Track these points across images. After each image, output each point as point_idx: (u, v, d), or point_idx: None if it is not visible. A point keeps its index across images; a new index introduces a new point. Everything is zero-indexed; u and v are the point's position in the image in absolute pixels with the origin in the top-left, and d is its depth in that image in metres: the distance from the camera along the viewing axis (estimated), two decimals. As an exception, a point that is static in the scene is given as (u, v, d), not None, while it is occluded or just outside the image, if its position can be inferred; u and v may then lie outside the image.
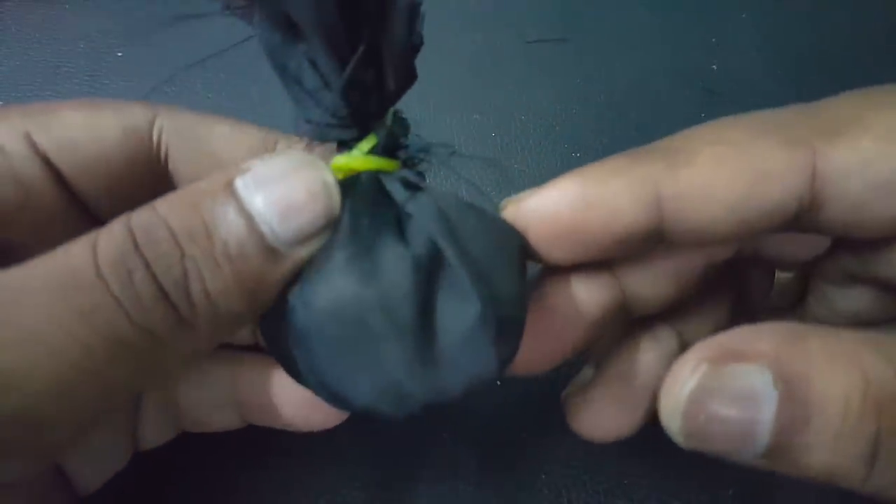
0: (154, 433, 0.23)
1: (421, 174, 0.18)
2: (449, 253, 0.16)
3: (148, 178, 0.20)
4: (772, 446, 0.14)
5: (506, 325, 0.16)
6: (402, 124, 0.18)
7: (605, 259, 0.18)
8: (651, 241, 0.17)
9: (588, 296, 0.19)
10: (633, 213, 0.16)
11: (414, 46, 0.16)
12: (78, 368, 0.14)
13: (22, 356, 0.13)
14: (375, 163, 0.17)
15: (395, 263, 0.16)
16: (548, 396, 0.28)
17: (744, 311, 0.23)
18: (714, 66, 0.37)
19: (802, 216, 0.17)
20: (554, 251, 0.18)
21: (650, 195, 0.16)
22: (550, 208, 0.17)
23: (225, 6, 0.16)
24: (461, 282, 0.16)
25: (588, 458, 0.27)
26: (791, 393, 0.13)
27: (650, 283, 0.20)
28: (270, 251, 0.15)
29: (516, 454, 0.27)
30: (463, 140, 0.35)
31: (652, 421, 0.22)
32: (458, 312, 0.16)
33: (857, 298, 0.20)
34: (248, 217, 0.15)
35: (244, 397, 0.23)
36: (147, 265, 0.14)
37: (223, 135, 0.20)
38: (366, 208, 0.17)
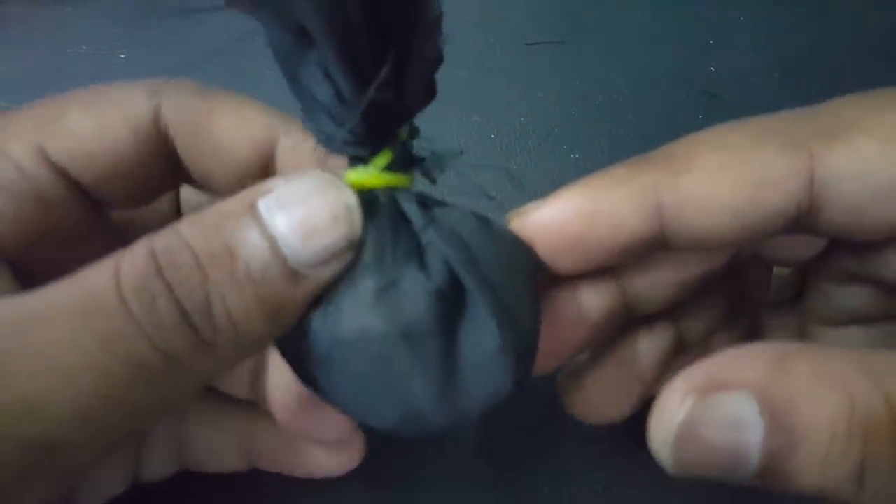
0: (157, 466, 0.23)
1: (433, 178, 0.18)
2: (469, 282, 0.16)
3: (161, 168, 0.20)
4: (761, 471, 0.14)
5: (522, 351, 0.17)
6: (413, 134, 0.17)
7: (611, 265, 0.19)
8: (654, 248, 0.18)
9: (592, 300, 0.20)
10: (636, 222, 0.17)
11: (436, 61, 0.16)
12: (99, 395, 0.14)
13: (43, 383, 0.14)
14: (391, 179, 0.17)
15: (419, 297, 0.16)
16: (547, 396, 0.28)
17: (742, 306, 0.23)
18: (712, 68, 0.37)
19: (802, 219, 0.17)
20: (560, 262, 0.18)
21: (652, 203, 0.17)
22: (555, 220, 0.17)
23: (229, 3, 0.15)
24: (481, 312, 0.16)
25: (588, 458, 0.27)
26: (777, 421, 0.13)
27: (651, 286, 0.20)
28: (292, 273, 0.15)
29: (516, 454, 0.27)
30: (463, 141, 0.35)
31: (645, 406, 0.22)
32: (479, 342, 0.16)
33: (854, 296, 0.20)
34: (270, 239, 0.15)
35: (257, 445, 0.24)
36: (170, 289, 0.14)
37: (228, 126, 0.20)
38: (388, 233, 0.17)
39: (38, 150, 0.18)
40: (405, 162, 0.17)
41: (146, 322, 0.14)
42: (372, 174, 0.17)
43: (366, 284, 0.16)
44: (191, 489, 0.24)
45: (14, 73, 0.36)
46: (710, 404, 0.14)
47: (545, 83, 0.37)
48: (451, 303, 0.16)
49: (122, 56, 0.37)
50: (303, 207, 0.15)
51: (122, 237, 0.22)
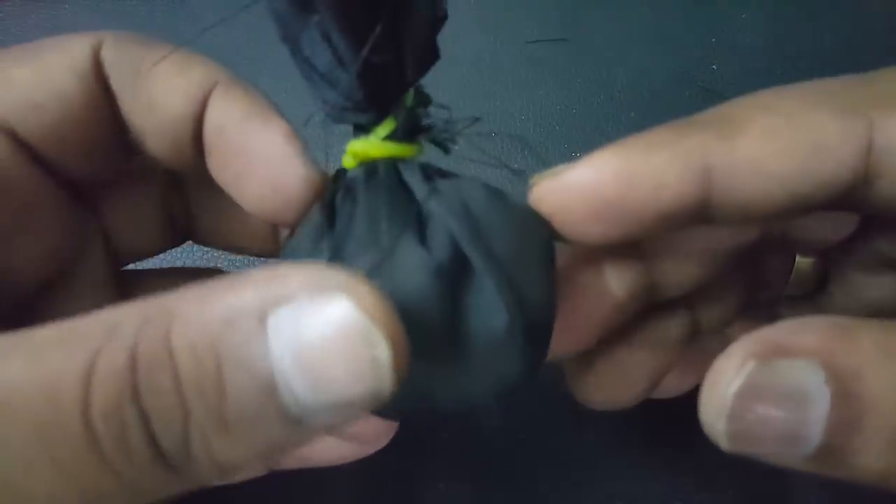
0: None
1: (446, 148, 0.17)
2: (474, 257, 0.15)
3: (108, 123, 0.19)
4: (822, 447, 0.13)
5: (534, 332, 0.16)
6: (423, 101, 0.16)
7: (644, 237, 0.17)
8: (693, 217, 0.16)
9: (617, 280, 0.19)
10: (681, 186, 0.15)
11: (438, 20, 0.15)
12: None
13: None
14: (393, 149, 0.16)
15: (417, 272, 0.14)
16: (548, 397, 0.28)
17: (759, 297, 0.23)
18: (714, 67, 0.37)
19: (854, 192, 0.16)
20: (592, 229, 0.16)
21: (699, 167, 0.15)
22: (591, 183, 0.16)
23: None
24: (487, 289, 0.15)
25: (588, 458, 0.27)
26: (843, 390, 0.12)
27: (679, 266, 0.19)
28: (290, 419, 0.12)
29: (516, 454, 0.27)
30: (463, 140, 0.35)
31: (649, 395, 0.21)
32: (485, 320, 0.15)
33: (882, 286, 0.19)
34: (270, 377, 0.12)
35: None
36: (146, 421, 0.12)
37: (163, 75, 0.18)
38: (384, 207, 0.15)
39: None
40: (410, 131, 0.16)
41: (113, 456, 0.12)
42: (373, 143, 0.16)
43: (357, 261, 0.15)
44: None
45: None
46: (772, 370, 0.13)
47: (546, 82, 0.37)
48: (454, 279, 0.15)
49: (121, 54, 0.37)
50: (318, 352, 0.12)
51: (89, 220, 0.21)
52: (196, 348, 0.12)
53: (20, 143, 0.17)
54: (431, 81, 0.20)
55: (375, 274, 0.14)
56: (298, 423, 0.12)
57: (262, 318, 0.12)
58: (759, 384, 0.13)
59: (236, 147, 0.18)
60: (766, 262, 0.22)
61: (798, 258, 0.22)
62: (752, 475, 0.27)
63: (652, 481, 0.26)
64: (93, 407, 0.11)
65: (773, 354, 0.13)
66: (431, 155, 0.17)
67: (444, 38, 0.19)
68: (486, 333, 0.15)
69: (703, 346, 0.22)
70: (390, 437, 0.22)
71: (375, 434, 0.22)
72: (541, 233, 0.17)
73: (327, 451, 0.22)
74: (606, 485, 0.27)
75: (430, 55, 0.15)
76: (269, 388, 0.12)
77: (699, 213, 0.16)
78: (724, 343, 0.15)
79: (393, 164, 0.16)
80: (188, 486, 0.13)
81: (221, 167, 0.19)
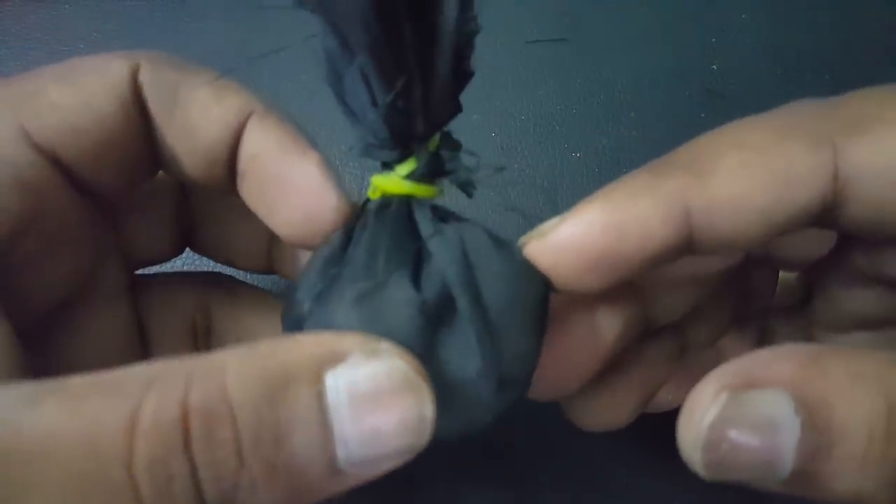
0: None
1: (469, 192, 0.18)
2: (461, 303, 0.16)
3: (144, 145, 0.19)
4: (795, 473, 0.13)
5: (509, 381, 0.16)
6: (449, 146, 0.17)
7: (634, 279, 0.18)
8: (681, 254, 0.17)
9: (610, 319, 0.19)
10: (666, 231, 0.16)
11: (463, 76, 0.16)
12: None
13: None
14: (408, 187, 0.17)
15: (402, 308, 0.15)
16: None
17: (747, 312, 0.23)
18: (714, 67, 0.37)
19: (826, 215, 0.16)
20: (585, 281, 0.17)
21: (680, 210, 0.16)
22: (579, 239, 0.16)
23: (296, 1, 0.15)
24: (468, 333, 0.16)
25: (588, 459, 0.27)
26: (813, 419, 0.13)
27: (669, 296, 0.20)
28: (336, 471, 0.13)
29: (516, 454, 0.27)
30: (463, 140, 0.35)
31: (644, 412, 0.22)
32: (462, 362, 0.16)
33: (864, 300, 0.20)
34: (328, 431, 0.13)
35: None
36: (194, 473, 0.12)
37: (200, 101, 0.19)
38: (386, 240, 0.16)
39: (20, 132, 0.17)
40: (432, 172, 0.17)
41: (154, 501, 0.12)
42: (391, 180, 0.17)
43: (351, 286, 0.16)
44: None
45: (11, 71, 0.36)
46: (744, 401, 0.14)
47: (546, 81, 0.37)
48: (439, 319, 0.16)
49: (121, 54, 0.37)
50: (373, 406, 0.13)
51: (109, 232, 0.21)
52: (256, 402, 0.12)
53: (59, 167, 0.18)
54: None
55: (363, 302, 0.15)
56: (339, 474, 0.13)
57: (319, 376, 0.13)
58: (731, 415, 0.14)
59: (271, 175, 0.19)
60: (751, 278, 0.23)
61: (781, 275, 0.23)
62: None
63: (652, 481, 0.26)
64: (136, 457, 0.11)
65: (745, 386, 0.14)
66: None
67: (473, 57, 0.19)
68: (460, 375, 0.16)
69: (696, 360, 0.23)
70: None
71: None
72: (536, 285, 0.17)
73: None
74: (606, 485, 0.27)
75: (453, 107, 0.17)
76: (326, 440, 0.13)
77: (685, 251, 0.17)
78: (716, 355, 0.15)
79: (406, 201, 0.17)
80: None
81: (255, 192, 0.19)
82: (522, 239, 0.17)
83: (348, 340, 0.14)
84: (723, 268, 0.20)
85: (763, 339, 0.23)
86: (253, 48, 0.37)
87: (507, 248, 0.17)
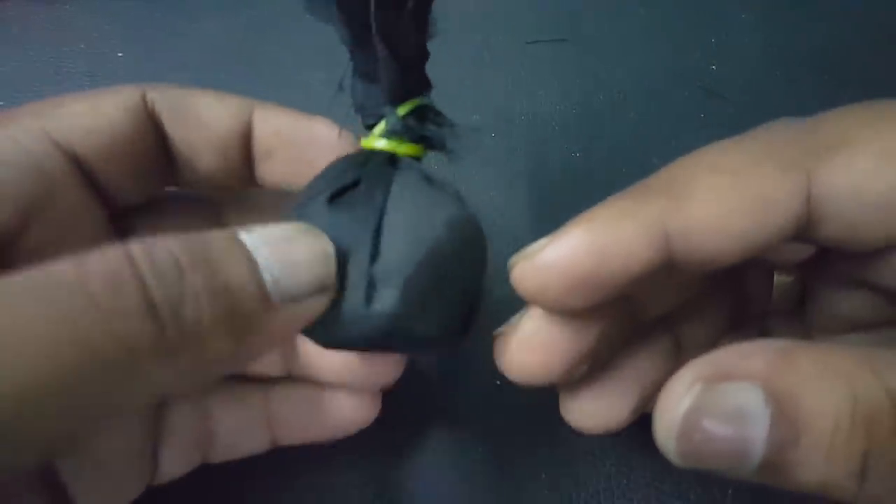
0: (177, 461, 0.23)
1: (447, 153, 0.21)
2: (359, 213, 0.19)
3: (154, 149, 0.22)
4: (764, 463, 0.14)
5: (386, 303, 0.18)
6: (427, 116, 0.20)
7: (618, 296, 0.18)
8: (662, 273, 0.18)
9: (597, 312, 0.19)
10: (647, 253, 0.17)
11: (423, 53, 0.19)
12: (43, 376, 0.13)
13: None
14: (385, 145, 0.20)
15: (317, 211, 0.19)
16: (548, 397, 0.28)
17: (743, 314, 0.23)
18: (714, 67, 0.37)
19: (803, 233, 0.17)
20: (570, 301, 0.18)
21: (659, 232, 0.17)
22: (564, 260, 0.17)
23: (307, 8, 0.19)
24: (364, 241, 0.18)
25: (588, 459, 0.27)
26: (781, 411, 0.14)
27: (654, 294, 0.20)
28: (267, 300, 0.15)
29: (516, 454, 0.27)
30: (463, 140, 0.35)
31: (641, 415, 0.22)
32: (351, 269, 0.18)
33: (854, 302, 0.20)
34: (252, 262, 0.15)
35: (281, 415, 0.24)
36: (140, 279, 0.14)
37: (207, 102, 0.22)
38: (344, 173, 0.19)
39: (42, 131, 0.19)
40: (399, 133, 0.20)
41: (107, 305, 0.13)
42: (369, 138, 0.20)
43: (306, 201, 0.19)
44: (187, 486, 0.24)
45: (12, 71, 0.36)
46: (716, 393, 0.14)
47: (545, 81, 0.37)
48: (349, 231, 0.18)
49: (120, 54, 0.37)
50: (285, 243, 0.16)
51: (119, 236, 0.22)
52: (187, 242, 0.15)
53: (75, 163, 0.20)
54: (432, 82, 0.21)
55: (297, 209, 0.19)
56: (270, 304, 0.16)
57: (235, 234, 0.16)
58: (705, 405, 0.14)
59: (301, 140, 0.22)
60: (746, 280, 0.23)
61: (777, 275, 0.23)
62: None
63: (651, 481, 0.26)
64: (89, 269, 0.13)
65: (719, 378, 0.14)
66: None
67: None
68: (348, 281, 0.18)
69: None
70: (374, 412, 0.25)
71: (362, 408, 0.25)
72: (474, 260, 0.19)
73: (323, 423, 0.24)
74: (606, 485, 0.27)
75: (418, 81, 0.20)
76: (253, 266, 0.15)
77: (666, 269, 0.17)
78: None
79: (388, 156, 0.20)
80: (174, 373, 0.14)
81: (283, 163, 0.23)
82: (512, 260, 0.18)
83: (250, 225, 0.16)
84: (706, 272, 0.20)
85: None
86: (253, 48, 0.37)
87: (443, 200, 0.19)
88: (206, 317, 0.14)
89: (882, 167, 0.16)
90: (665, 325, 0.22)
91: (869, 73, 0.37)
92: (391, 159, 0.20)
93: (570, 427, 0.22)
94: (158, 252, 0.14)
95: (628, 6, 0.39)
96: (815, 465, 0.14)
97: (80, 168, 0.20)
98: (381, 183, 0.19)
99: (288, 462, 0.26)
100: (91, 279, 0.13)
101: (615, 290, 0.17)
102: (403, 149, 0.20)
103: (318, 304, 0.17)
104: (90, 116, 0.20)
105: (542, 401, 0.28)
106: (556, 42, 0.38)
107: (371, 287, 0.18)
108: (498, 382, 0.28)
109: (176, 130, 0.22)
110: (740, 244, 0.17)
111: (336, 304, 0.18)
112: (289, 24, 0.39)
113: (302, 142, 0.22)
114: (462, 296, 0.19)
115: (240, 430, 0.24)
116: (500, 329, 0.20)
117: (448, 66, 0.37)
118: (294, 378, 0.25)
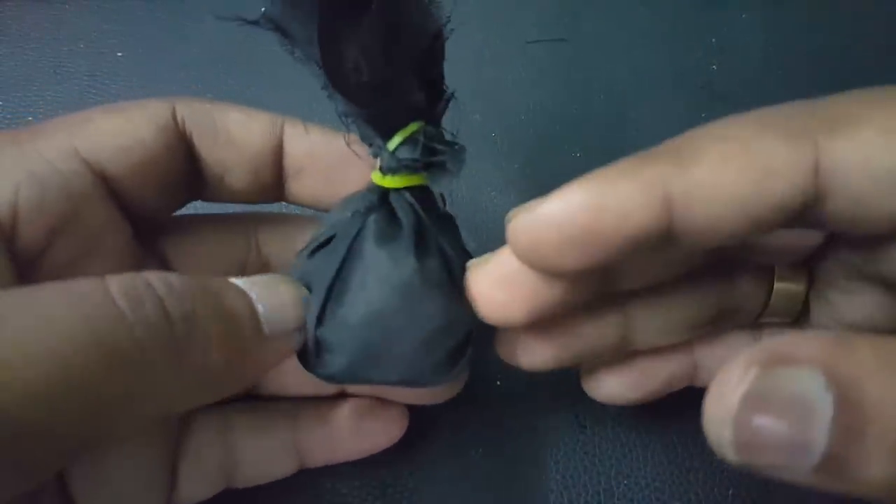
0: (199, 485, 0.23)
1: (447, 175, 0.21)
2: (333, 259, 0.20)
3: (182, 166, 0.22)
4: (827, 457, 0.13)
5: (334, 351, 0.20)
6: (418, 139, 0.20)
7: (615, 262, 0.18)
8: (660, 243, 0.17)
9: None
10: (644, 214, 0.16)
11: (432, 92, 0.20)
12: (66, 372, 0.13)
13: (8, 351, 0.13)
14: (381, 180, 0.20)
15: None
16: (549, 396, 0.28)
17: (727, 319, 0.23)
18: (714, 66, 0.37)
19: (807, 211, 0.17)
20: (565, 258, 0.17)
21: (659, 196, 0.16)
22: (561, 215, 0.17)
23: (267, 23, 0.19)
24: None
25: (588, 458, 0.27)
26: (844, 398, 0.13)
27: (632, 266, 0.20)
28: (260, 332, 0.18)
29: (517, 453, 0.27)
30: (463, 140, 0.35)
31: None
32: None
33: (861, 305, 0.20)
34: (248, 296, 0.18)
35: (308, 439, 0.24)
36: (158, 297, 0.16)
37: (237, 119, 0.22)
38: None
39: (70, 148, 0.19)
40: (394, 169, 0.20)
41: (130, 312, 0.15)
42: (374, 172, 0.21)
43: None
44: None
45: (12, 71, 0.36)
46: (775, 378, 0.13)
47: (546, 81, 0.37)
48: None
49: (120, 54, 0.37)
50: (271, 289, 0.19)
51: (143, 257, 0.22)
52: (194, 279, 0.17)
53: (103, 180, 0.20)
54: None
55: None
56: (262, 338, 0.18)
57: (227, 279, 0.18)
58: (762, 391, 0.13)
59: (332, 159, 0.23)
60: (738, 283, 0.23)
61: (776, 284, 0.22)
62: (752, 476, 0.27)
63: (652, 481, 0.26)
64: (112, 286, 0.15)
65: (776, 363, 0.13)
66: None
67: (445, 38, 0.19)
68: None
69: (645, 354, 0.24)
70: (402, 431, 0.25)
71: (389, 429, 0.25)
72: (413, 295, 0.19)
73: (351, 445, 0.25)
74: (606, 484, 0.27)
75: (405, 116, 0.20)
76: (248, 299, 0.18)
77: (664, 238, 0.17)
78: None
79: (384, 193, 0.21)
80: (180, 385, 0.16)
81: (315, 183, 0.23)
82: (511, 213, 0.18)
83: (234, 279, 0.19)
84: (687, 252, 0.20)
85: None
86: (253, 48, 0.37)
87: (396, 256, 0.19)
88: (214, 337, 0.17)
89: (892, 141, 0.15)
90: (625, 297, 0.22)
91: (869, 73, 0.37)
92: (383, 198, 0.20)
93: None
94: (173, 278, 0.16)
95: (628, 6, 0.39)
96: (881, 459, 0.12)
97: (108, 185, 0.20)
98: (344, 242, 0.20)
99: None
100: (114, 292, 0.15)
101: (609, 253, 0.17)
102: (405, 182, 0.20)
103: (294, 341, 0.19)
104: (121, 135, 0.20)
105: (542, 401, 0.28)
106: (556, 42, 0.38)
107: (319, 347, 0.20)
108: (498, 382, 0.28)
109: (206, 148, 0.22)
110: (743, 212, 0.16)
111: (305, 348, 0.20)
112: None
113: (333, 160, 0.23)
114: (425, 345, 0.20)
115: (266, 458, 0.24)
116: (476, 259, 0.20)
117: (448, 66, 0.37)
118: (324, 398, 0.25)
